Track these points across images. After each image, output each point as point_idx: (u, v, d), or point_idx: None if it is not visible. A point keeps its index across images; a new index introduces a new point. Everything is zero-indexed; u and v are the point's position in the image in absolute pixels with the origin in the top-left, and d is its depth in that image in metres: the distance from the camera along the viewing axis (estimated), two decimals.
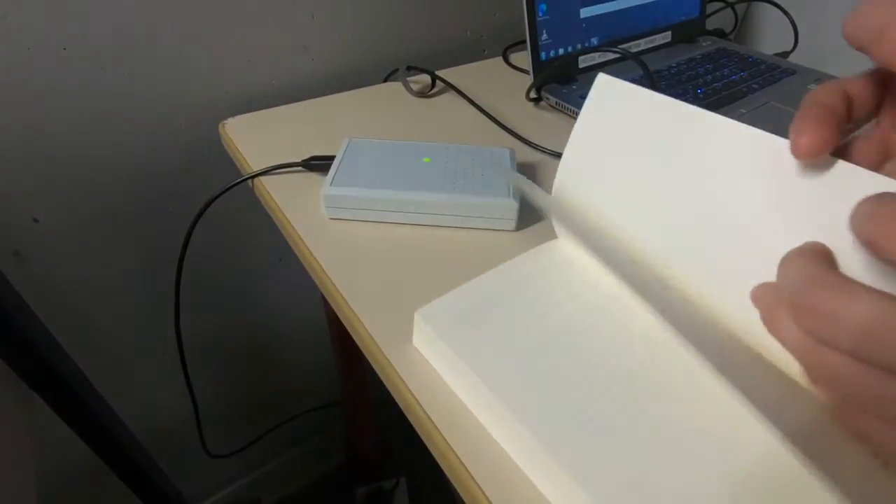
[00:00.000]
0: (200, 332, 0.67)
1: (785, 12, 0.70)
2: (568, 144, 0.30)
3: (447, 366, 0.28)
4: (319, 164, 0.41)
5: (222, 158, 0.49)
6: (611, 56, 0.60)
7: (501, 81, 0.60)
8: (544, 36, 0.54)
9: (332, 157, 0.40)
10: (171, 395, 0.68)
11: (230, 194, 0.43)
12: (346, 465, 0.94)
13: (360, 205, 0.37)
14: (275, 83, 0.55)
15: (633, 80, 0.28)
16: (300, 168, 0.42)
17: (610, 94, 0.28)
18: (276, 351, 0.79)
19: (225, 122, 0.49)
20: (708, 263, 0.25)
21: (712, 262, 0.24)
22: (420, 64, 0.58)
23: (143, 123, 0.51)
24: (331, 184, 0.37)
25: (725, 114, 0.24)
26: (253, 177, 0.42)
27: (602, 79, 0.28)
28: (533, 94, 0.54)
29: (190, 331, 0.62)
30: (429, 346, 0.29)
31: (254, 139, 0.47)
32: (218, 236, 0.61)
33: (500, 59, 0.65)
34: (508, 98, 0.55)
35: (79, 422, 0.45)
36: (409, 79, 0.56)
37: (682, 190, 0.25)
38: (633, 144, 0.27)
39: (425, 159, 0.40)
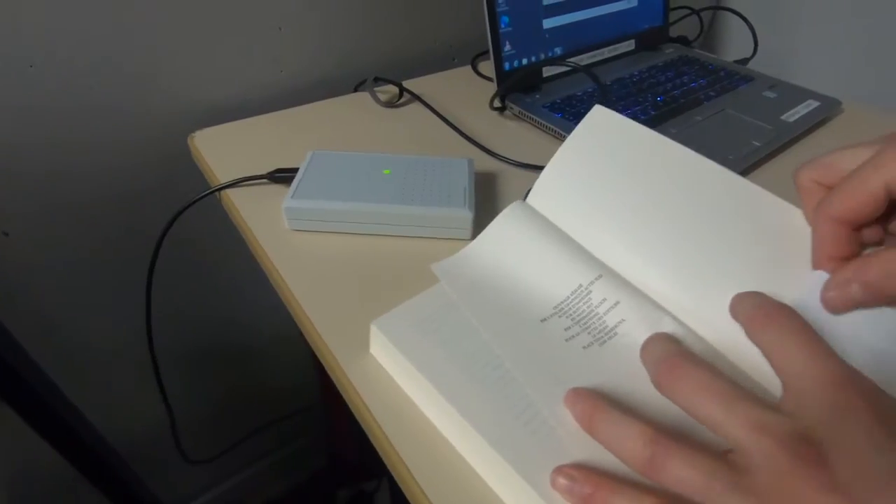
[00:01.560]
0: (177, 338, 0.68)
1: (745, 20, 0.72)
2: (551, 162, 0.32)
3: (402, 373, 0.29)
4: (284, 177, 0.43)
5: (194, 170, 0.50)
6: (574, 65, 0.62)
7: (469, 90, 0.61)
8: (507, 47, 0.55)
9: (296, 170, 0.41)
10: (149, 401, 0.69)
11: (213, 199, 0.44)
12: (327, 467, 0.95)
13: (321, 216, 0.38)
14: (245, 95, 0.56)
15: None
16: (265, 180, 0.43)
17: (603, 125, 0.30)
18: (255, 355, 0.79)
19: (193, 134, 0.50)
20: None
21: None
22: (390, 73, 0.59)
23: (113, 137, 0.51)
24: (292, 196, 0.39)
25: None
26: (218, 190, 0.43)
27: (598, 110, 0.30)
28: (497, 104, 0.56)
29: (167, 337, 0.63)
30: (385, 355, 0.30)
31: (222, 151, 0.48)
32: (194, 244, 0.62)
33: (469, 67, 0.66)
34: (475, 107, 0.57)
35: (49, 429, 0.46)
36: (377, 89, 0.57)
37: (665, 223, 0.27)
38: (621, 174, 0.29)
39: (385, 171, 0.42)
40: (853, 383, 0.19)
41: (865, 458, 0.17)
